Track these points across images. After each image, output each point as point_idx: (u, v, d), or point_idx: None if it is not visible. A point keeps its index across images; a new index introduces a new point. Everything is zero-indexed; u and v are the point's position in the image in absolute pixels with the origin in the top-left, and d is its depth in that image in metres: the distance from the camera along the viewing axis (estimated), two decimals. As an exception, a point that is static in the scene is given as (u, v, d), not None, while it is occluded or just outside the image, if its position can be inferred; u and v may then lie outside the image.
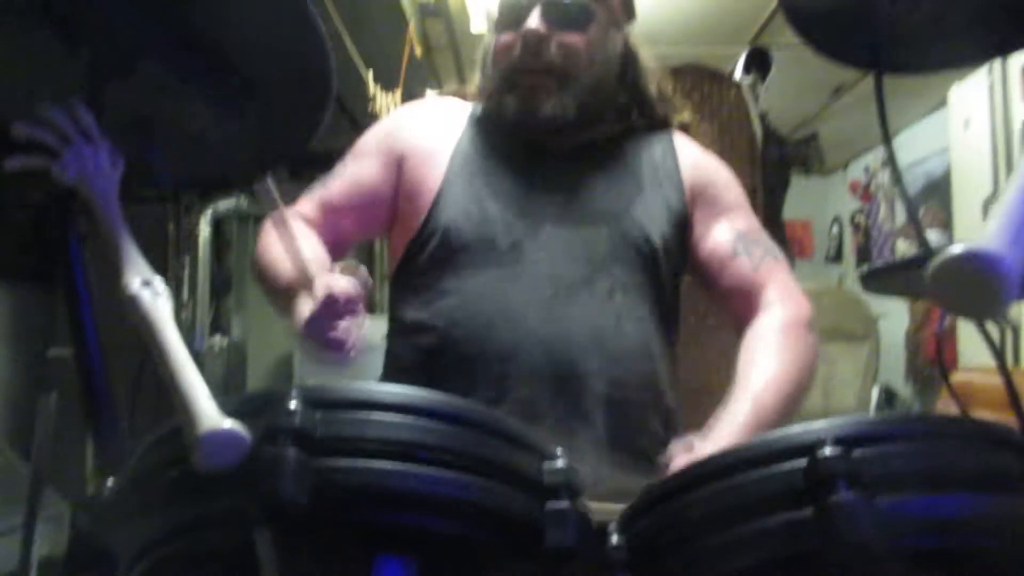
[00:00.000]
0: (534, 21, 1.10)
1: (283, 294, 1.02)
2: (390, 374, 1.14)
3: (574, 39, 1.11)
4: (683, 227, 1.16)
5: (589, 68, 1.13)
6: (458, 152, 1.17)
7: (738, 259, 1.12)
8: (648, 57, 1.23)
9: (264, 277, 1.10)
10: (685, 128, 1.25)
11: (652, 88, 1.23)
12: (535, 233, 1.09)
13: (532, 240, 1.08)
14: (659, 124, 1.23)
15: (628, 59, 1.20)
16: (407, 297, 1.13)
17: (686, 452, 0.88)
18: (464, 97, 1.27)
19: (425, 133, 1.21)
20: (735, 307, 1.13)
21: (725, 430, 0.92)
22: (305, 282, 0.93)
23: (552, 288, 1.05)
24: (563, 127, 1.13)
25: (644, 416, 1.05)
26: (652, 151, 1.20)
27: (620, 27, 1.19)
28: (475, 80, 1.23)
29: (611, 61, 1.17)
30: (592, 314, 1.05)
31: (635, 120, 1.22)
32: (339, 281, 0.89)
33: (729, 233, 1.15)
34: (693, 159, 1.21)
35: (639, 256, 1.10)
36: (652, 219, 1.13)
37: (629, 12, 1.22)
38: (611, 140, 1.19)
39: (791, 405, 0.98)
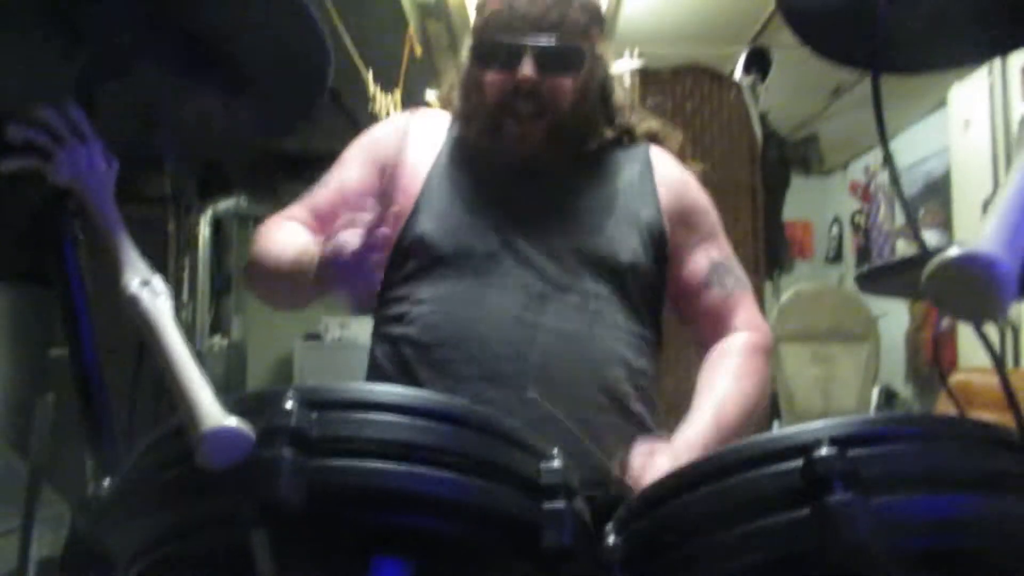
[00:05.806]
0: (528, 68, 1.10)
1: (294, 262, 1.06)
2: (371, 381, 1.15)
3: (565, 82, 1.13)
4: (660, 243, 1.18)
5: (577, 104, 1.15)
6: (437, 164, 1.19)
7: (712, 289, 1.19)
8: (612, 66, 1.26)
9: (267, 261, 1.13)
10: (654, 136, 1.27)
11: (620, 98, 1.25)
12: (510, 245, 1.11)
13: (507, 252, 1.11)
14: (630, 136, 1.25)
15: (604, 78, 1.22)
16: (388, 306, 1.15)
17: (645, 455, 0.93)
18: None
19: (406, 145, 1.23)
20: (703, 330, 1.20)
21: (688, 440, 0.99)
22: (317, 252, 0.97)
23: (525, 296, 1.08)
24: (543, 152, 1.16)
25: (617, 421, 1.07)
26: (629, 167, 1.22)
27: (600, 51, 1.20)
28: (454, 98, 1.22)
29: (596, 90, 1.19)
30: (564, 322, 1.07)
31: (608, 135, 1.23)
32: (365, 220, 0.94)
33: (705, 261, 1.20)
34: (670, 178, 1.23)
35: (608, 271, 1.12)
36: (623, 236, 1.15)
37: (603, 29, 1.23)
38: (587, 155, 1.21)
39: (748, 422, 1.07)
